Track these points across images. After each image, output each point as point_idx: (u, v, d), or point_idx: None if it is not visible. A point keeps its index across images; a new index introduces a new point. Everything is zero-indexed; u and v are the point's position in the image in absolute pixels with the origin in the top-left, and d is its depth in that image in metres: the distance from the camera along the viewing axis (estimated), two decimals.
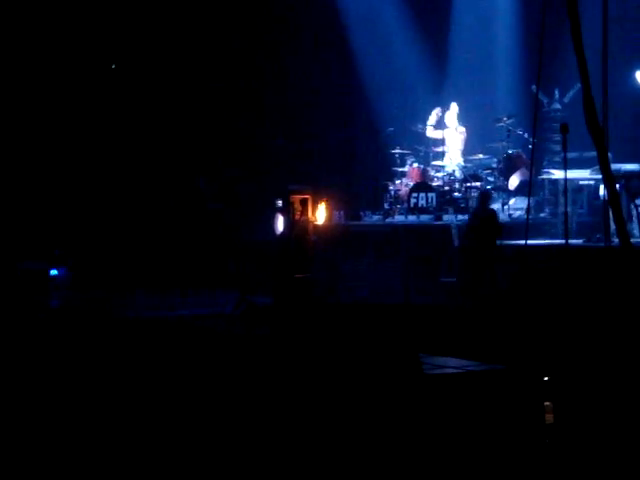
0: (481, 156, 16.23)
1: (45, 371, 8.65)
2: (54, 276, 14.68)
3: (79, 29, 16.97)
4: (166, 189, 17.63)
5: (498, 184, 15.73)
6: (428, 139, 16.57)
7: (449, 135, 16.35)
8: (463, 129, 16.42)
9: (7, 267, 14.39)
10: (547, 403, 6.64)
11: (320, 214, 15.10)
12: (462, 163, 16.22)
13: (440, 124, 16.43)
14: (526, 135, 15.57)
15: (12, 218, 16.21)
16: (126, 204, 17.15)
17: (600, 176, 12.63)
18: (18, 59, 16.63)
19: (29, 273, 14.46)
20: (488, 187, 15.66)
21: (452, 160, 16.21)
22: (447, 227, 14.24)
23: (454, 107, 16.44)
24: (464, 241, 13.52)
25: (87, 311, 13.29)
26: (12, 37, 16.51)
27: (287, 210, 14.63)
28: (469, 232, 13.38)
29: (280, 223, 14.81)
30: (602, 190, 14.09)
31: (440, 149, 16.34)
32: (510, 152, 15.69)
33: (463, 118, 16.53)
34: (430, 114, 16.47)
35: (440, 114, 16.41)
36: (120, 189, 17.19)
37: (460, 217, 14.93)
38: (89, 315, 12.86)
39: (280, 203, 14.88)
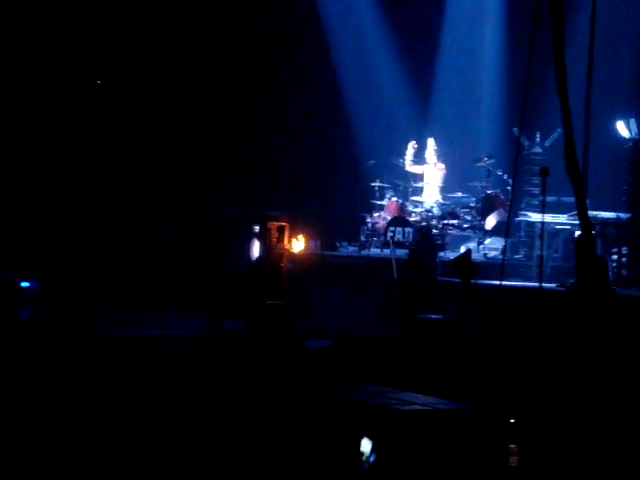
0: (460, 194, 16.32)
1: (13, 382, 8.57)
2: (25, 288, 14.54)
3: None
4: (140, 209, 17.55)
5: (475, 223, 15.81)
6: (408, 173, 16.65)
7: (428, 171, 16.42)
8: (442, 166, 16.50)
9: None
10: (512, 446, 6.64)
11: (296, 242, 15.09)
12: (440, 200, 16.29)
13: (419, 158, 16.51)
14: (505, 176, 15.68)
15: None
16: (102, 221, 17.05)
17: (577, 221, 12.77)
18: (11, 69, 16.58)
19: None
20: (465, 225, 15.75)
21: (431, 196, 16.28)
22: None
23: (431, 143, 16.52)
24: (402, 275, 13.70)
25: (57, 325, 13.18)
26: (8, 41, 16.44)
27: (264, 236, 14.59)
28: (406, 266, 13.60)
29: (256, 249, 14.77)
30: (578, 235, 14.18)
31: (419, 185, 16.41)
32: (489, 192, 15.79)
33: (444, 155, 16.61)
34: (407, 148, 16.55)
35: (416, 147, 16.48)
36: (94, 206, 17.10)
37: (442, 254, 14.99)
38: (58, 329, 12.76)
39: (257, 229, 14.84)
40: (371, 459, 6.56)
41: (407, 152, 16.52)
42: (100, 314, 14.39)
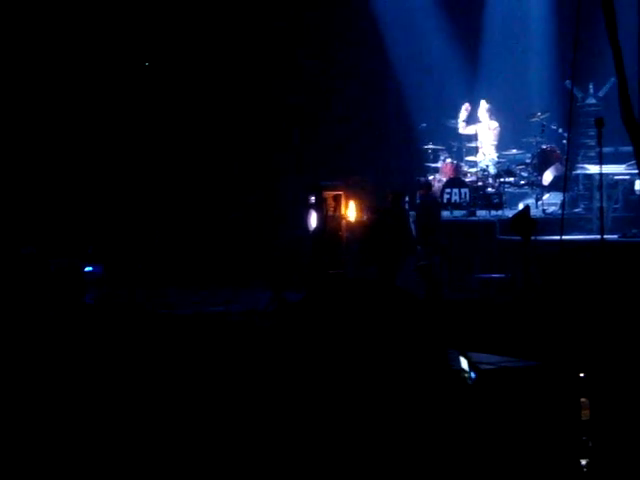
0: (515, 151, 16.15)
1: (80, 366, 8.70)
2: (88, 273, 14.76)
3: (102, 28, 17.09)
4: (201, 187, 17.69)
5: (532, 179, 15.64)
6: (461, 135, 16.52)
7: (481, 131, 16.28)
8: (496, 124, 16.34)
9: (41, 264, 14.48)
10: (583, 399, 6.58)
11: (352, 211, 15.08)
12: (496, 159, 16.14)
13: (472, 119, 16.37)
14: (560, 130, 15.47)
15: (46, 216, 16.33)
16: (161, 201, 17.21)
17: (636, 171, 12.58)
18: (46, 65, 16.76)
19: (63, 270, 14.54)
20: (521, 182, 15.61)
21: (485, 156, 16.14)
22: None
23: (483, 104, 16.39)
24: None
25: (121, 307, 13.36)
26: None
27: (320, 206, 14.60)
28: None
29: (313, 219, 14.78)
30: (638, 185, 14.00)
31: (473, 145, 16.28)
32: (544, 147, 15.60)
33: (496, 114, 16.45)
34: (460, 110, 16.43)
35: (469, 109, 16.37)
36: (155, 186, 17.26)
37: (494, 213, 14.89)
38: (123, 311, 12.93)
39: (313, 199, 14.85)
40: (472, 375, 6.57)
41: (460, 114, 16.40)
42: (163, 294, 14.57)
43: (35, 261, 14.34)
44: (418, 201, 14.87)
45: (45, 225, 16.06)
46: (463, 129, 16.38)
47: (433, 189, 15.30)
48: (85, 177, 17.03)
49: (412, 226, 14.16)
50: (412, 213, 14.55)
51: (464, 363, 6.78)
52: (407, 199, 14.63)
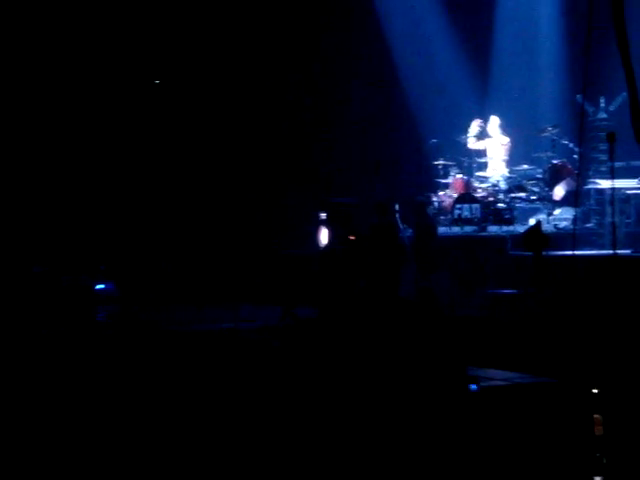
0: (526, 167, 16.10)
1: (92, 383, 8.70)
2: (100, 290, 14.77)
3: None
4: (212, 205, 17.72)
5: (543, 194, 15.59)
6: (471, 150, 16.50)
7: (492, 146, 16.25)
8: (507, 140, 16.32)
9: (52, 282, 14.50)
10: (596, 416, 6.53)
11: (325, 237, 15.01)
12: (506, 174, 16.11)
13: (482, 135, 16.35)
14: (571, 145, 15.43)
15: (58, 233, 16.37)
16: (172, 218, 17.24)
17: None
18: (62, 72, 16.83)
19: (74, 288, 14.55)
20: (533, 197, 15.57)
21: (496, 171, 16.11)
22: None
23: (494, 120, 16.36)
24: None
25: (133, 325, 13.36)
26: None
27: (331, 223, 14.59)
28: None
29: (324, 236, 14.77)
30: None
31: (484, 160, 16.26)
32: (555, 162, 15.56)
33: (507, 128, 16.43)
34: (470, 126, 16.42)
35: (481, 126, 16.35)
36: (167, 203, 17.30)
37: (505, 228, 14.86)
38: (135, 329, 12.93)
39: (324, 216, 14.84)
40: (473, 387, 6.52)
41: (470, 129, 16.38)
42: (175, 311, 14.57)
43: (46, 279, 14.37)
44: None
45: (56, 243, 16.09)
46: (473, 144, 16.36)
47: (429, 208, 15.25)
48: (97, 195, 17.07)
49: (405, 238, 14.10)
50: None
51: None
52: (397, 208, 14.60)
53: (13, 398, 8.11)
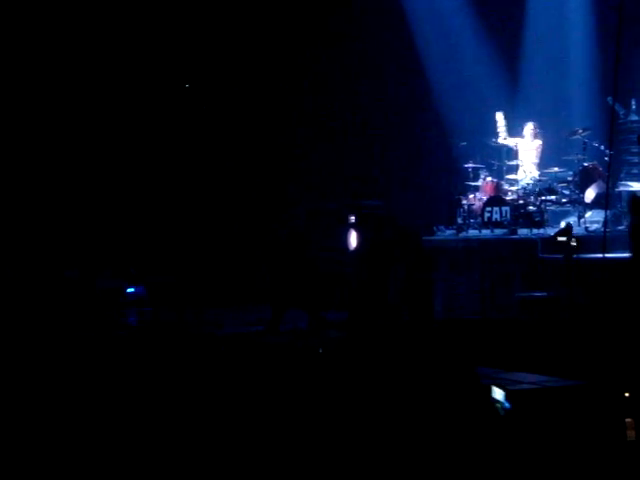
0: (556, 169, 16.01)
1: (123, 387, 8.75)
2: (130, 293, 14.87)
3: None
4: (241, 207, 17.78)
5: (574, 197, 15.50)
6: (502, 149, 16.41)
7: (523, 148, 16.18)
8: (539, 143, 16.23)
9: (84, 286, 14.62)
10: (629, 419, 6.50)
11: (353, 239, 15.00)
12: (537, 177, 16.03)
13: (513, 131, 16.26)
14: (602, 147, 15.32)
15: (89, 238, 16.48)
16: (203, 222, 17.31)
17: None
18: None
19: (106, 291, 14.66)
20: (563, 200, 15.49)
21: (526, 173, 16.04)
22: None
23: (530, 125, 16.24)
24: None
25: (164, 328, 13.43)
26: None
27: (360, 226, 14.61)
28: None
29: (353, 239, 14.79)
30: None
31: (514, 163, 16.19)
32: (586, 164, 15.46)
33: (538, 131, 16.35)
34: (497, 120, 16.34)
35: (503, 119, 16.28)
36: (196, 207, 17.37)
37: (535, 231, 14.79)
38: (166, 332, 13.00)
39: (353, 219, 14.85)
40: (506, 405, 6.52)
41: (498, 124, 16.30)
42: (205, 314, 14.63)
43: (78, 283, 14.48)
44: None
45: (87, 247, 16.20)
46: (503, 139, 16.25)
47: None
48: (127, 199, 17.17)
49: None
50: None
51: (498, 394, 6.72)
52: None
53: (46, 399, 8.18)
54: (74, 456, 6.58)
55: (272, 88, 18.13)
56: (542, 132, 16.22)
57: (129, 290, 14.87)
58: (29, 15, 16.56)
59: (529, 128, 16.19)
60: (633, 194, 13.67)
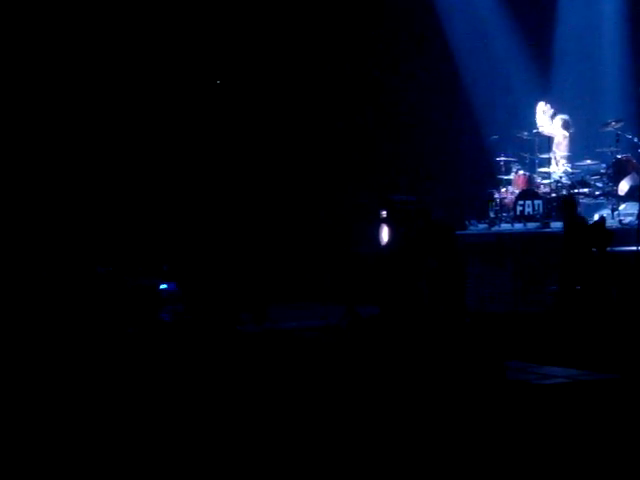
0: (589, 162, 15.89)
1: (159, 383, 8.80)
2: (163, 290, 14.94)
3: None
4: (274, 205, 17.83)
5: (607, 190, 15.38)
6: (533, 146, 16.32)
7: (555, 139, 16.09)
8: (567, 134, 16.12)
9: (116, 282, 14.70)
10: None
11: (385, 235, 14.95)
12: (569, 169, 15.92)
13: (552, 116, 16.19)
14: (636, 139, 15.18)
15: (121, 234, 16.59)
16: (233, 219, 17.37)
17: None
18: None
19: (139, 288, 14.74)
20: (596, 193, 15.37)
21: (558, 166, 15.93)
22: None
23: (557, 116, 16.16)
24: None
25: (197, 324, 13.49)
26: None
27: (392, 221, 14.57)
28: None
29: (385, 234, 14.75)
30: None
31: (545, 156, 16.08)
32: (619, 157, 15.32)
33: (571, 124, 16.26)
34: (537, 110, 16.25)
35: (547, 109, 16.19)
36: (226, 205, 17.43)
37: None
38: (199, 328, 13.05)
39: (385, 214, 14.82)
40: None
41: (537, 114, 16.20)
42: (238, 310, 14.66)
43: (111, 279, 14.57)
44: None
45: (120, 244, 16.30)
46: (543, 128, 16.12)
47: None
48: (159, 197, 17.26)
49: None
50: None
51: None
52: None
53: (82, 393, 8.26)
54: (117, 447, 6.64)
55: (304, 85, 18.19)
56: (572, 124, 16.11)
57: (162, 286, 14.94)
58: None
59: (558, 119, 16.09)
60: (565, 196, 13.81)
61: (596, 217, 14.16)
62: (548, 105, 16.27)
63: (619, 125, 15.40)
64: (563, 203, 13.78)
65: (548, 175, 15.95)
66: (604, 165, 15.56)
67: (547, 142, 16.17)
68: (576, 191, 15.35)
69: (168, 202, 17.30)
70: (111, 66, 16.91)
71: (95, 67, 16.79)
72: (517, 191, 15.77)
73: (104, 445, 6.70)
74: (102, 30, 16.78)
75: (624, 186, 15.22)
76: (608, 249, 12.61)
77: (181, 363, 10.03)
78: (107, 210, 16.76)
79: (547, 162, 16.09)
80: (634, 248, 11.94)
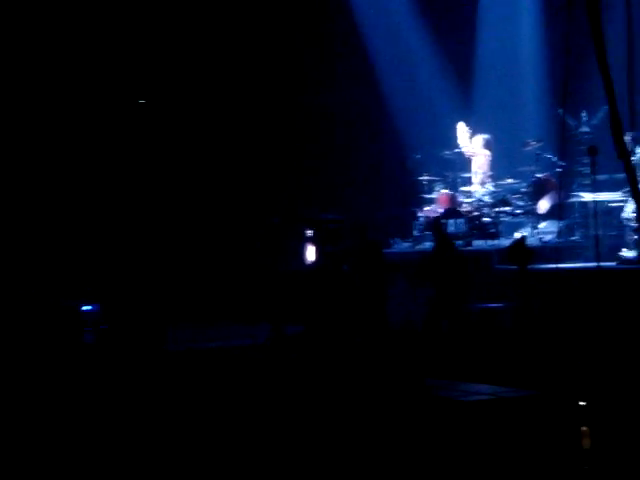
0: (510, 181, 16.15)
1: (81, 405, 8.68)
2: (86, 312, 14.73)
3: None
4: (196, 223, 17.74)
5: (528, 208, 15.65)
6: (455, 165, 16.52)
7: (475, 160, 16.31)
8: (487, 153, 16.37)
9: (40, 304, 14.47)
10: (584, 428, 6.55)
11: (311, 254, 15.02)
12: (491, 188, 16.15)
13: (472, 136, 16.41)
14: (555, 159, 15.49)
15: (44, 256, 16.33)
16: (158, 240, 17.23)
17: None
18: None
19: (61, 309, 14.52)
20: (517, 211, 15.62)
21: (480, 186, 16.15)
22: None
23: (476, 135, 16.40)
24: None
25: (121, 346, 13.33)
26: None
27: (317, 240, 14.61)
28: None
29: (311, 253, 14.78)
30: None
31: (468, 175, 16.30)
32: (539, 176, 15.61)
33: (489, 142, 16.49)
34: (457, 130, 16.46)
35: (466, 129, 16.40)
36: (153, 225, 17.29)
37: (490, 242, 14.91)
38: (123, 349, 12.90)
39: (310, 233, 14.85)
40: None
41: (458, 134, 16.40)
42: (161, 331, 14.53)
43: (34, 301, 14.33)
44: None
45: (44, 266, 16.05)
46: (465, 148, 16.32)
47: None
48: (81, 217, 17.06)
49: None
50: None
51: None
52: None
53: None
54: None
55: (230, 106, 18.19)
56: (493, 143, 16.37)
57: (84, 308, 14.74)
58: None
59: (480, 139, 16.33)
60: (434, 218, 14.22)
61: (517, 235, 14.39)
62: (467, 127, 16.48)
63: (539, 145, 15.70)
64: (433, 225, 14.12)
65: (470, 194, 16.16)
66: (525, 184, 15.84)
67: (469, 161, 16.40)
68: (497, 209, 15.59)
69: (90, 222, 17.09)
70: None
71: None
72: (440, 210, 15.94)
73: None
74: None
75: (544, 205, 15.52)
76: (529, 267, 12.80)
77: (105, 384, 9.91)
78: (29, 231, 16.49)
79: (469, 181, 16.31)
80: (554, 266, 12.15)
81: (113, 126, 17.37)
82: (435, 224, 14.01)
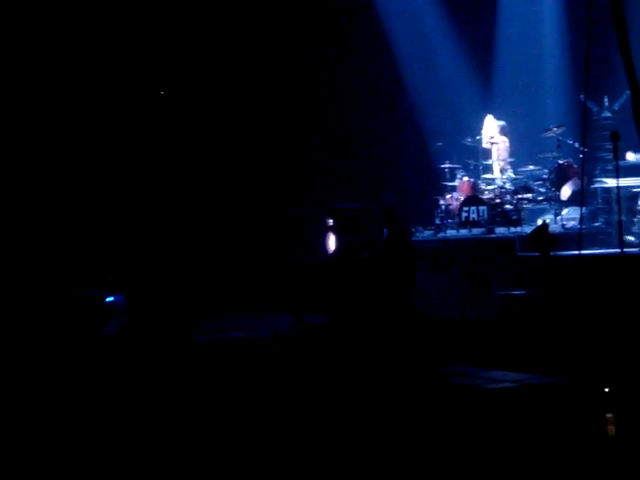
0: (532, 167, 16.08)
1: (103, 396, 8.72)
2: (110, 303, 14.82)
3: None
4: (221, 216, 17.78)
5: (550, 195, 15.57)
6: (477, 152, 16.46)
7: (495, 147, 16.26)
8: (505, 139, 16.31)
9: (64, 295, 14.55)
10: (609, 415, 6.53)
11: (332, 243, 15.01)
12: (512, 175, 16.09)
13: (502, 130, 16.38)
14: (576, 145, 15.40)
15: (69, 246, 16.42)
16: (181, 231, 17.29)
17: None
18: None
19: (85, 300, 14.60)
20: (539, 198, 15.56)
21: (502, 173, 16.09)
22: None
23: (495, 122, 16.36)
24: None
25: (143, 336, 13.39)
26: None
27: (338, 229, 14.61)
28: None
29: (332, 242, 14.79)
30: None
31: (489, 162, 16.24)
32: (561, 162, 15.53)
33: (511, 129, 16.44)
34: (484, 123, 16.40)
35: (495, 123, 16.36)
36: (174, 216, 17.34)
37: (513, 229, 14.86)
38: (145, 340, 12.96)
39: (331, 222, 14.85)
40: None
41: (485, 126, 16.34)
42: (185, 321, 14.59)
43: (58, 292, 14.42)
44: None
45: (68, 257, 16.14)
46: (486, 144, 16.28)
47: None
48: (106, 208, 17.14)
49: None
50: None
51: None
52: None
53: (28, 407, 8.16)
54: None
55: (250, 92, 18.20)
56: (511, 127, 16.30)
57: (108, 299, 14.82)
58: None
59: (495, 124, 16.28)
60: (386, 208, 14.08)
61: (539, 222, 14.33)
62: (496, 120, 16.43)
63: (560, 131, 15.61)
64: (384, 214, 13.97)
65: (492, 181, 16.11)
66: (546, 170, 15.76)
67: (489, 149, 16.34)
68: (519, 196, 15.53)
69: (114, 214, 17.17)
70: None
71: None
72: (462, 197, 15.90)
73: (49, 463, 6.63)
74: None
75: (566, 191, 15.43)
76: (551, 253, 12.75)
77: (125, 375, 9.95)
78: (55, 223, 16.58)
79: (491, 168, 16.25)
80: (577, 252, 12.09)
81: (132, 120, 17.42)
82: (386, 214, 13.85)
